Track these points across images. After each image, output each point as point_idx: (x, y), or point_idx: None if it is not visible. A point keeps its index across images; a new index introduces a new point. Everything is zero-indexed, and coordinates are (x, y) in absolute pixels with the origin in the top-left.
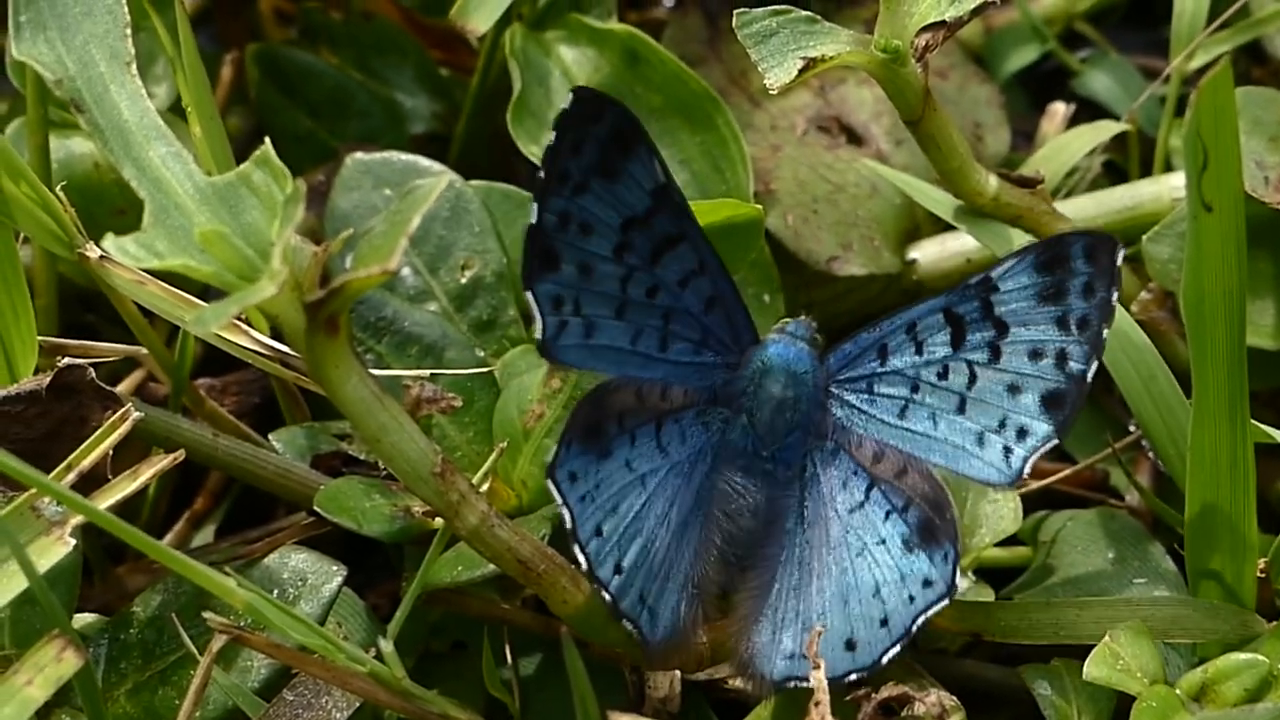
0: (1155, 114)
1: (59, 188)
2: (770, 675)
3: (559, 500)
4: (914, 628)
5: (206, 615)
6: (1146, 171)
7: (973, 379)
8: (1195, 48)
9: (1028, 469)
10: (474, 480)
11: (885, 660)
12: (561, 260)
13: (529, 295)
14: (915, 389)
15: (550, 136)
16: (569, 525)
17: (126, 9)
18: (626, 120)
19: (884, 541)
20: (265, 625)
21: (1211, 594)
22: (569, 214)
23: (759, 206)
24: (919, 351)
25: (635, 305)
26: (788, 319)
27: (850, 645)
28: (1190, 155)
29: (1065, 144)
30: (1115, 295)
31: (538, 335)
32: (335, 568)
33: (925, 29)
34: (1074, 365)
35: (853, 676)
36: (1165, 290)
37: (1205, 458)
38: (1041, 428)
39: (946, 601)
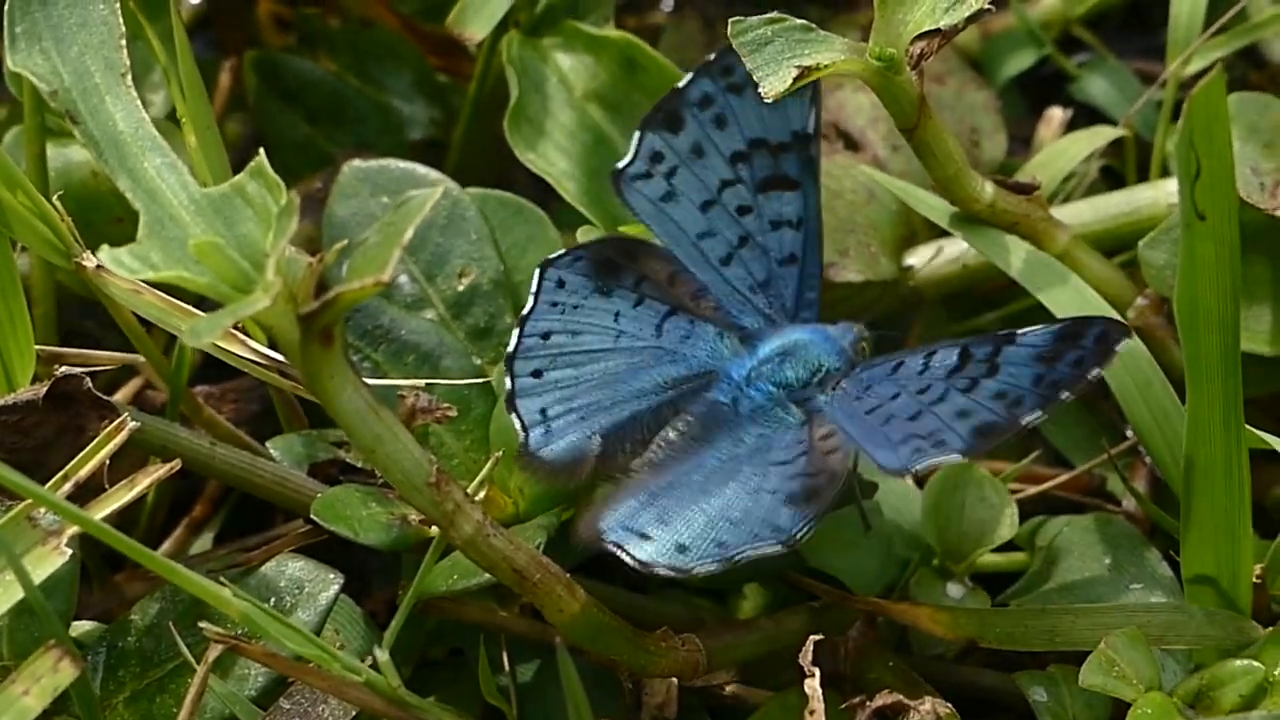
0: (1152, 119)
1: (56, 197)
2: (602, 533)
3: (534, 286)
4: (738, 557)
5: (203, 625)
6: (1144, 176)
7: (941, 399)
8: (1192, 53)
9: (921, 469)
10: (470, 488)
11: (697, 570)
12: (682, 129)
13: (637, 133)
14: (896, 397)
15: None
16: (526, 310)
17: (122, 20)
18: None
19: (774, 492)
20: (261, 634)
21: (1207, 600)
22: (712, 99)
23: None
24: (922, 374)
25: (722, 211)
26: (842, 320)
27: (681, 549)
28: (1183, 164)
29: (1062, 149)
30: (1096, 375)
31: (621, 164)
32: (332, 576)
33: (920, 36)
34: (1022, 412)
35: (663, 570)
36: (1161, 296)
37: (1200, 463)
38: (958, 445)
39: (781, 550)
